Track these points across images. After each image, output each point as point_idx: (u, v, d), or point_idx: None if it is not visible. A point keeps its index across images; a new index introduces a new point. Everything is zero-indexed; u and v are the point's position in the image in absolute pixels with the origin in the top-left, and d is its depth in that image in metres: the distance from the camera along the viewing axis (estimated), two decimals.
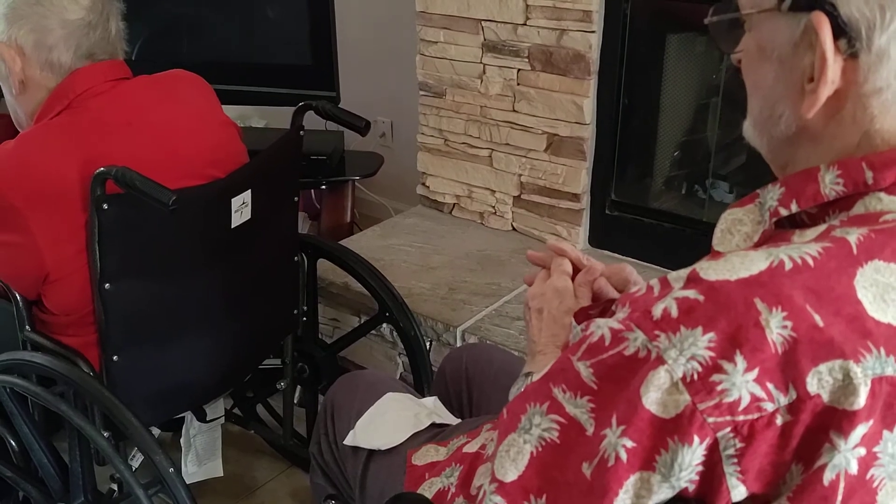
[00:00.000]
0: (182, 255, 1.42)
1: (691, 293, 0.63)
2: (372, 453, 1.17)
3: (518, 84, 2.22)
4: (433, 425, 1.18)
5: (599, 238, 2.24)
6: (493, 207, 2.39)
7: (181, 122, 1.47)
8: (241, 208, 1.45)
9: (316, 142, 2.38)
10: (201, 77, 1.58)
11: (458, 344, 1.87)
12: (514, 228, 2.36)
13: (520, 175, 2.29)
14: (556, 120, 2.17)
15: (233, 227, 1.44)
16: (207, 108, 1.55)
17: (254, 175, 1.49)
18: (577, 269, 1.04)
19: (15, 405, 1.42)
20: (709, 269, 0.65)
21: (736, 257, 0.65)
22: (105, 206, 1.27)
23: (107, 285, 1.32)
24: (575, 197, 2.21)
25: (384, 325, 1.84)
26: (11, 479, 1.53)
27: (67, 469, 1.44)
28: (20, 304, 1.39)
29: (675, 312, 0.63)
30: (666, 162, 2.23)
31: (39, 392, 1.34)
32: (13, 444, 1.50)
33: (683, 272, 0.67)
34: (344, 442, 1.21)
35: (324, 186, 2.50)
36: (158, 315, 1.42)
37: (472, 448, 0.95)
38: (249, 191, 1.45)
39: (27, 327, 1.40)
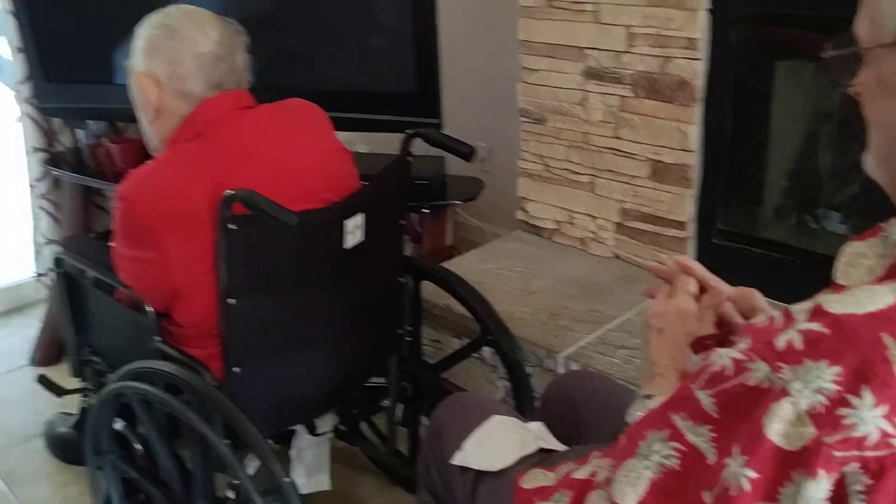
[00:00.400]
0: (300, 274, 1.49)
1: (816, 326, 0.64)
2: (480, 474, 1.19)
3: (620, 111, 2.22)
4: (540, 450, 1.19)
5: (705, 267, 2.20)
6: (594, 233, 2.39)
7: (300, 148, 1.55)
8: (354, 230, 1.51)
9: (419, 166, 2.44)
10: (317, 105, 1.66)
11: (560, 370, 1.88)
12: (616, 255, 2.36)
13: (622, 201, 2.29)
14: (660, 147, 2.17)
15: (346, 248, 1.50)
16: (323, 135, 1.63)
17: (366, 199, 1.56)
18: (702, 289, 1.03)
19: (143, 411, 1.51)
20: (834, 303, 0.65)
21: (861, 291, 0.65)
22: (232, 227, 1.35)
23: (231, 301, 1.40)
24: (680, 225, 2.19)
25: (485, 347, 1.87)
26: (136, 480, 1.63)
27: (189, 474, 1.52)
28: (151, 315, 1.49)
29: (799, 345, 0.64)
30: (775, 190, 2.18)
31: (168, 399, 1.43)
32: (139, 447, 1.59)
33: (806, 304, 0.67)
34: (451, 461, 1.23)
35: (426, 210, 2.56)
36: (277, 330, 1.49)
37: (581, 475, 0.96)
38: (362, 214, 1.51)
39: (156, 338, 1.50)
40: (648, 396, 0.92)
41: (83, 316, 1.73)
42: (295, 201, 1.40)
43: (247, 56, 1.54)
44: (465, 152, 1.72)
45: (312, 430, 1.72)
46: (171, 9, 1.50)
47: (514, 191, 2.55)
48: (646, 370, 1.00)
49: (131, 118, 2.49)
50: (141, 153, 2.41)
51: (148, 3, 2.30)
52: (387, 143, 2.04)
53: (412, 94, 2.41)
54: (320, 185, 1.53)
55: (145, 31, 1.49)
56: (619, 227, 2.33)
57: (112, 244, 1.51)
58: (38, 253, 2.73)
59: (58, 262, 1.70)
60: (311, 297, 1.53)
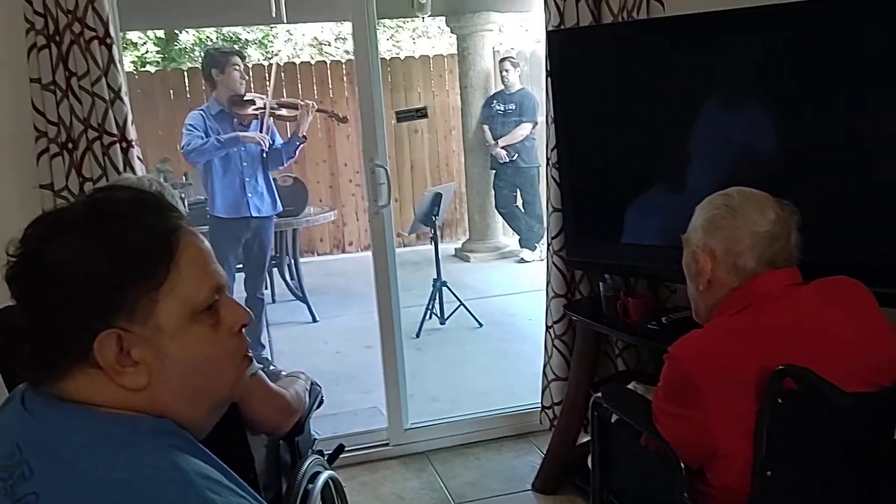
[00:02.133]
0: (841, 457, 1.47)
1: None
2: None
3: None
4: None
5: None
6: None
7: (846, 328, 1.55)
8: None
9: None
10: (861, 283, 1.66)
11: None
12: None
13: None
14: None
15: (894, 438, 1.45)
16: (870, 315, 1.61)
17: None
18: None
19: None
20: None
21: None
22: (780, 401, 1.41)
23: (768, 472, 1.44)
24: None
25: None
26: None
27: None
28: (683, 471, 1.59)
29: None
30: None
31: None
32: None
33: None
34: None
35: None
36: None
37: None
38: None
39: (685, 494, 1.58)
40: None
41: (610, 457, 1.91)
42: (842, 381, 1.41)
43: (798, 235, 1.62)
44: None
45: None
46: (732, 190, 1.66)
47: None
48: None
49: (645, 275, 2.77)
50: (653, 309, 2.64)
51: (669, 174, 2.59)
52: None
53: None
54: (868, 366, 1.51)
55: (706, 210, 1.66)
56: None
57: (654, 398, 1.66)
58: (546, 387, 3.07)
59: (595, 405, 1.91)
60: (848, 482, 1.49)
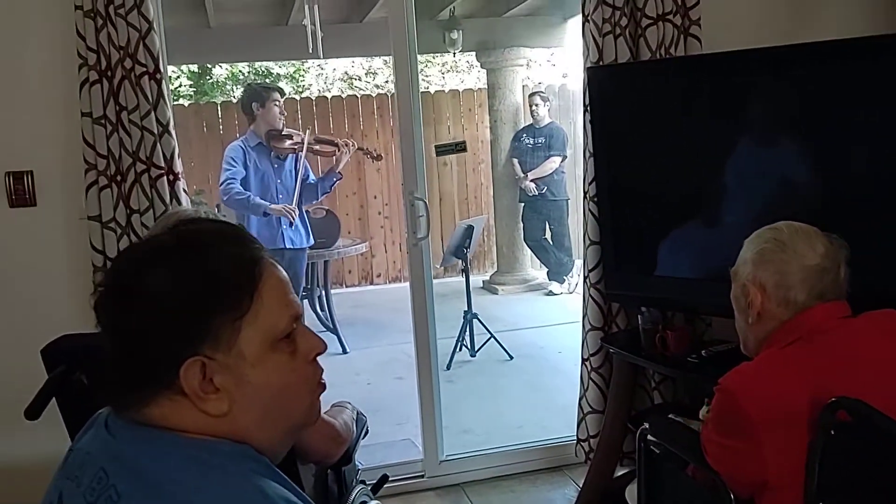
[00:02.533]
0: (886, 488, 1.47)
1: None
2: None
3: None
4: None
5: None
6: None
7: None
8: None
9: None
10: None
11: None
12: None
13: None
14: None
15: None
16: None
17: None
18: None
19: None
20: None
21: None
22: (832, 432, 1.41)
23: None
24: None
25: None
26: None
27: None
28: (732, 502, 1.59)
29: None
30: None
31: None
32: None
33: None
34: None
35: None
36: None
37: None
38: None
39: None
40: None
41: (655, 487, 1.91)
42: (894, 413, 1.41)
43: (847, 269, 1.63)
44: None
45: None
46: (781, 224, 1.67)
47: None
48: None
49: (682, 308, 2.77)
50: (692, 342, 2.64)
51: (705, 208, 2.61)
52: None
53: None
54: None
55: (755, 244, 1.68)
56: None
57: (703, 428, 1.66)
58: (581, 420, 3.07)
59: (642, 434, 1.92)
60: None
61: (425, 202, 3.06)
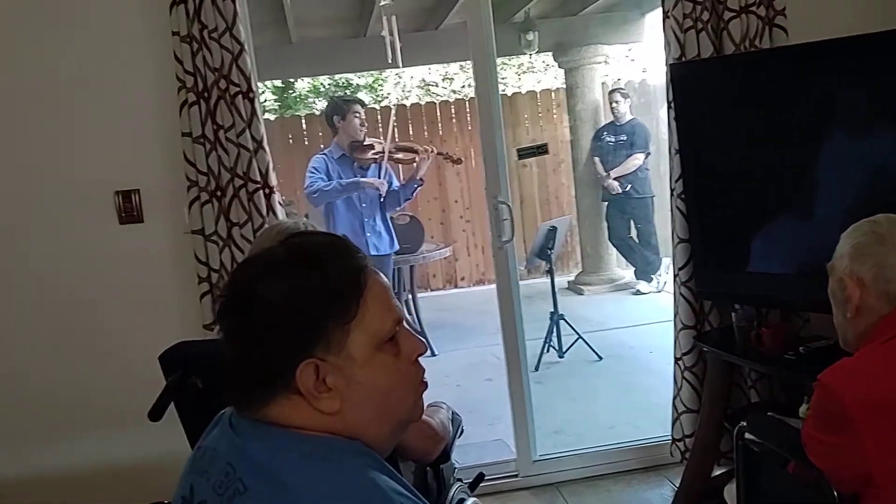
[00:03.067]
0: None
1: None
2: None
3: None
4: None
5: None
6: None
7: None
8: None
9: None
10: None
11: None
12: None
13: None
14: None
15: None
16: None
17: None
18: None
19: None
20: None
21: None
22: None
23: None
24: None
25: None
26: None
27: None
28: (836, 499, 1.56)
29: None
30: None
31: None
32: None
33: None
34: None
35: None
36: None
37: None
38: None
39: None
40: None
41: (754, 486, 1.89)
42: None
43: None
44: None
45: None
46: (880, 217, 1.64)
47: None
48: None
49: (777, 305, 2.72)
50: (789, 339, 2.59)
51: (796, 202, 2.55)
52: None
53: None
54: None
55: (853, 237, 1.65)
56: None
57: (804, 426, 1.64)
58: (676, 419, 3.04)
59: (740, 432, 1.90)
60: None
61: (509, 206, 3.09)
